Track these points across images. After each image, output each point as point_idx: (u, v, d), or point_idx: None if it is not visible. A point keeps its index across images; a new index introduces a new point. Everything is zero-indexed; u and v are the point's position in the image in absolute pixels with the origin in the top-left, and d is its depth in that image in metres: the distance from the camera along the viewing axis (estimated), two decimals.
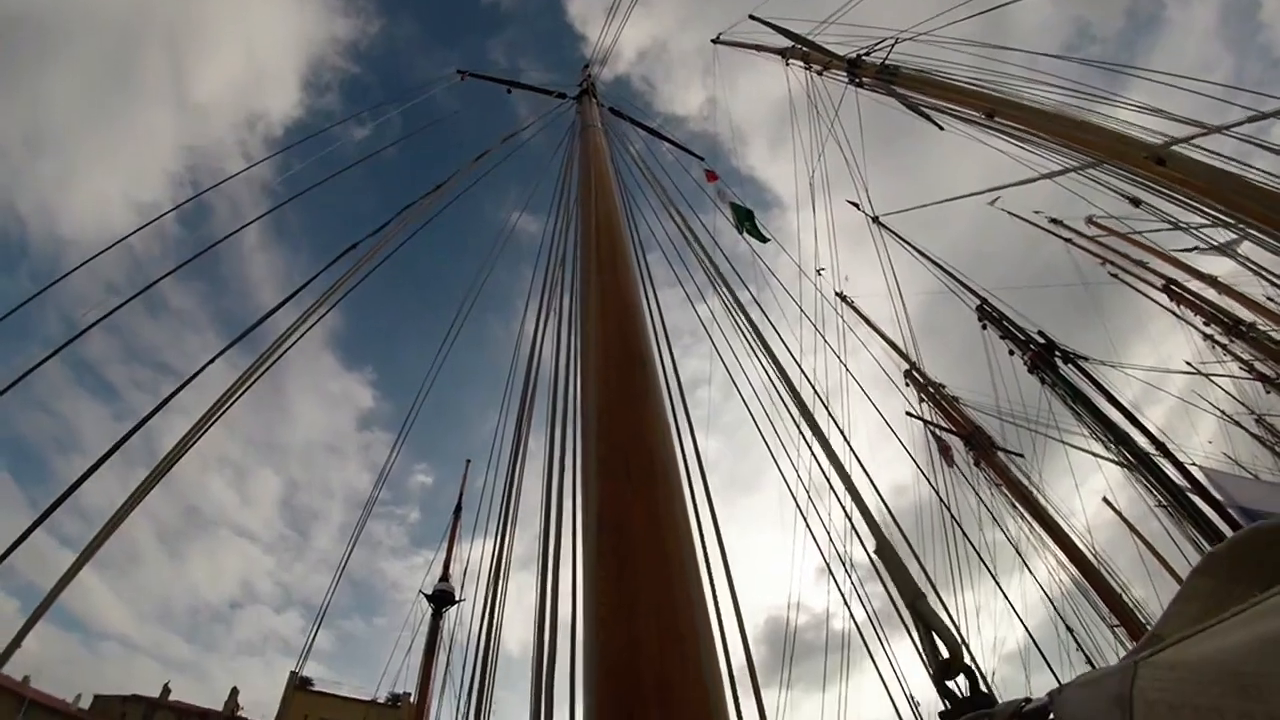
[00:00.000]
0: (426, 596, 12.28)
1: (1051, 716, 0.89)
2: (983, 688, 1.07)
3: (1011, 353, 14.91)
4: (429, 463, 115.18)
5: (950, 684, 1.09)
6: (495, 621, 5.63)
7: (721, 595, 1.66)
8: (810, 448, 5.62)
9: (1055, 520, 14.07)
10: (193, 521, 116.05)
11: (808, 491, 5.73)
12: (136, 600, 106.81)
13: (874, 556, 1.43)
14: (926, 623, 1.18)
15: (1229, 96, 7.27)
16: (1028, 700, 0.95)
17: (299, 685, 43.50)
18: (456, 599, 11.81)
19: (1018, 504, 14.85)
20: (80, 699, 50.45)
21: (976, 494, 15.49)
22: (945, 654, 1.12)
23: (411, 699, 12.84)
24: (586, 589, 1.51)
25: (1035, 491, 15.17)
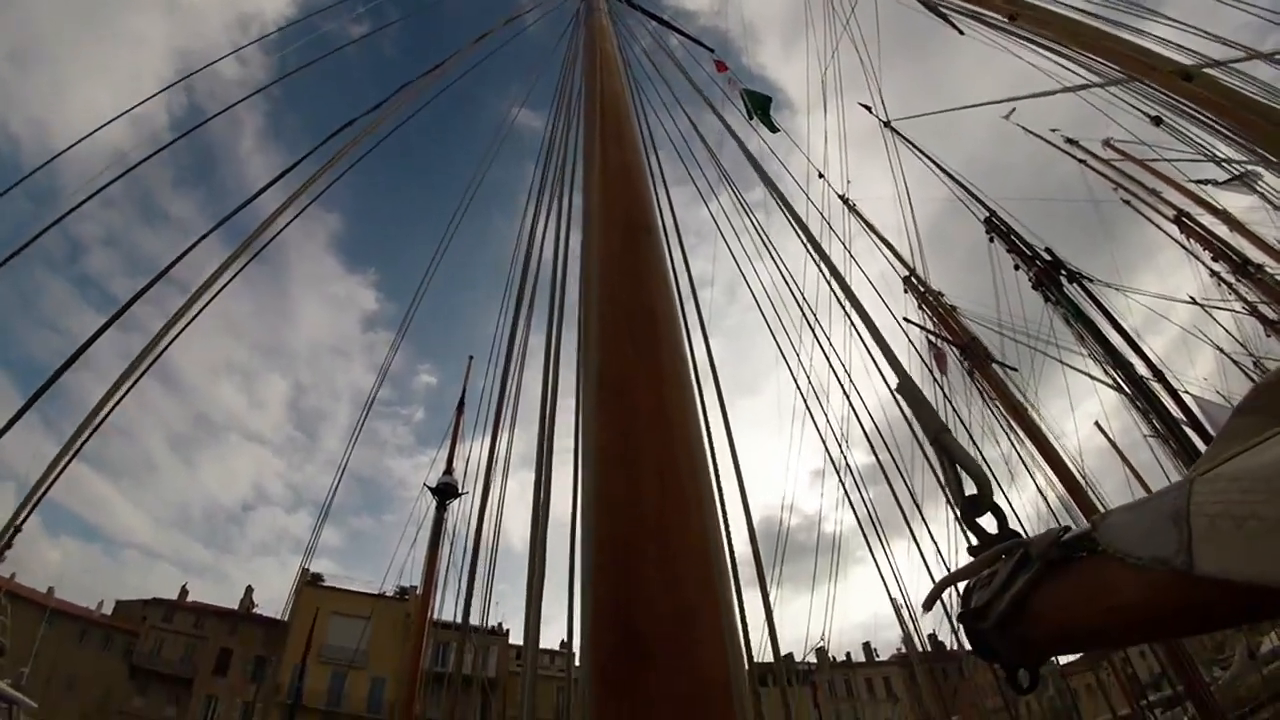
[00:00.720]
0: (431, 490, 12.53)
1: (1098, 547, 0.85)
2: (1012, 527, 1.03)
3: (1017, 268, 14.77)
4: (433, 362, 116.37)
5: (980, 522, 1.05)
6: (494, 504, 5.72)
7: (723, 463, 1.63)
8: (817, 338, 5.62)
9: (1047, 438, 14.20)
10: (203, 428, 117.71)
11: (810, 381, 5.75)
12: (153, 508, 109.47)
13: (896, 395, 1.39)
14: (951, 457, 1.13)
15: (1270, 21, 6.93)
16: (1065, 529, 0.91)
17: (309, 581, 45.27)
18: (460, 492, 12.00)
19: (1010, 419, 14.95)
20: (102, 605, 52.52)
21: (968, 406, 15.59)
22: (972, 490, 1.08)
23: (418, 592, 13.27)
24: (586, 444, 1.48)
25: (1029, 407, 15.28)
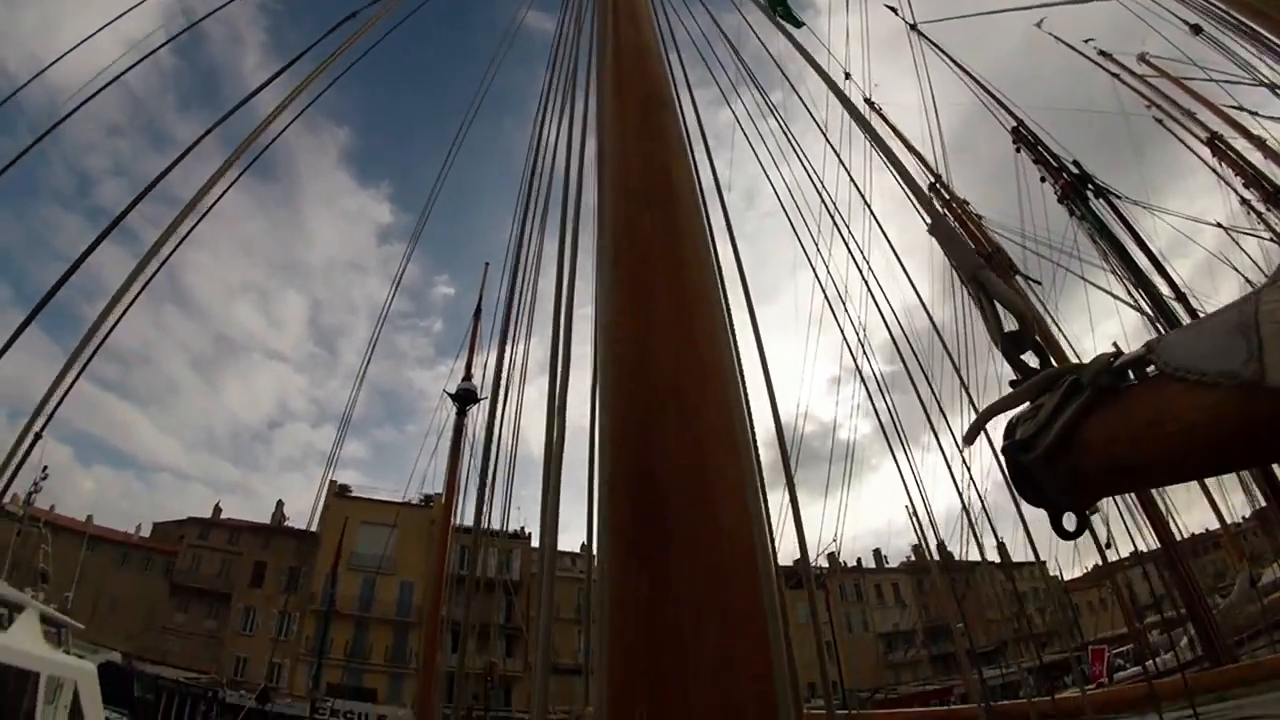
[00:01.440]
0: (450, 396, 12.67)
1: (1151, 369, 0.78)
2: (1054, 363, 0.96)
3: (1043, 180, 14.35)
4: (450, 273, 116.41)
5: (1022, 359, 0.99)
6: (512, 409, 5.75)
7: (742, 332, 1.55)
8: (843, 236, 5.50)
9: (1066, 356, 14.04)
10: (224, 350, 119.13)
11: (836, 282, 5.67)
12: (181, 431, 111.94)
13: (930, 232, 1.30)
14: (990, 293, 1.06)
15: None
16: (1118, 354, 0.84)
17: (337, 493, 46.76)
18: (479, 397, 12.09)
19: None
20: (140, 529, 54.65)
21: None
22: (1013, 327, 1.01)
23: (442, 499, 13.56)
24: (601, 309, 1.42)
25: (1050, 323, 15.07)
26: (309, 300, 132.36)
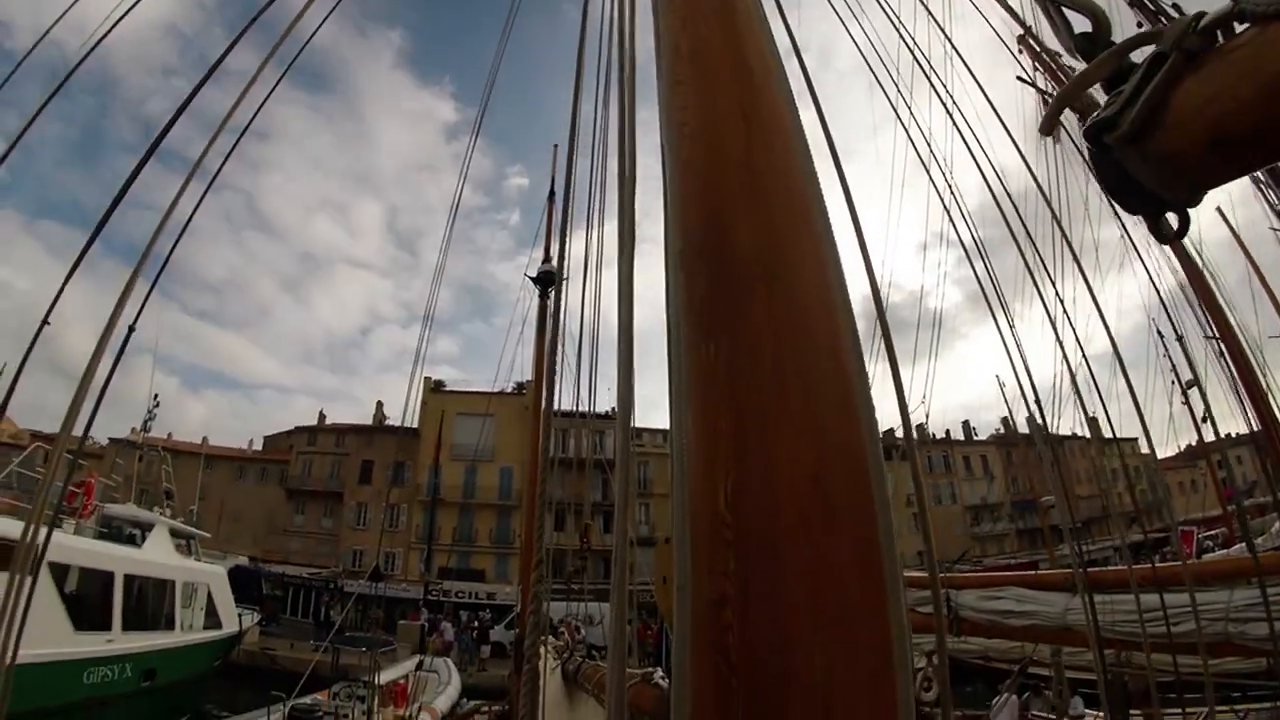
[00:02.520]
0: (532, 279, 12.79)
1: (1243, 26, 0.66)
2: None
3: (1140, 26, 12.95)
4: (522, 164, 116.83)
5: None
6: (594, 289, 5.75)
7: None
8: (934, 88, 5.15)
9: None
10: (309, 266, 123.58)
11: (922, 144, 5.35)
12: (279, 349, 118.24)
13: None
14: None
15: None
16: (1201, 14, 0.71)
17: (433, 389, 49.02)
18: (560, 278, 12.20)
19: None
20: (252, 443, 59.02)
21: (1085, 179, 14.39)
22: (1085, 28, 0.89)
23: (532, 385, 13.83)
24: (663, 100, 1.33)
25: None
26: (385, 207, 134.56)
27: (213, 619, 18.13)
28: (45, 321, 2.42)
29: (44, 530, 2.25)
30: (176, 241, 2.58)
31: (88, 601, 12.91)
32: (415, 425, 44.71)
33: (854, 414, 0.96)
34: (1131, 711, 6.78)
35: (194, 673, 16.80)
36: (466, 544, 46.85)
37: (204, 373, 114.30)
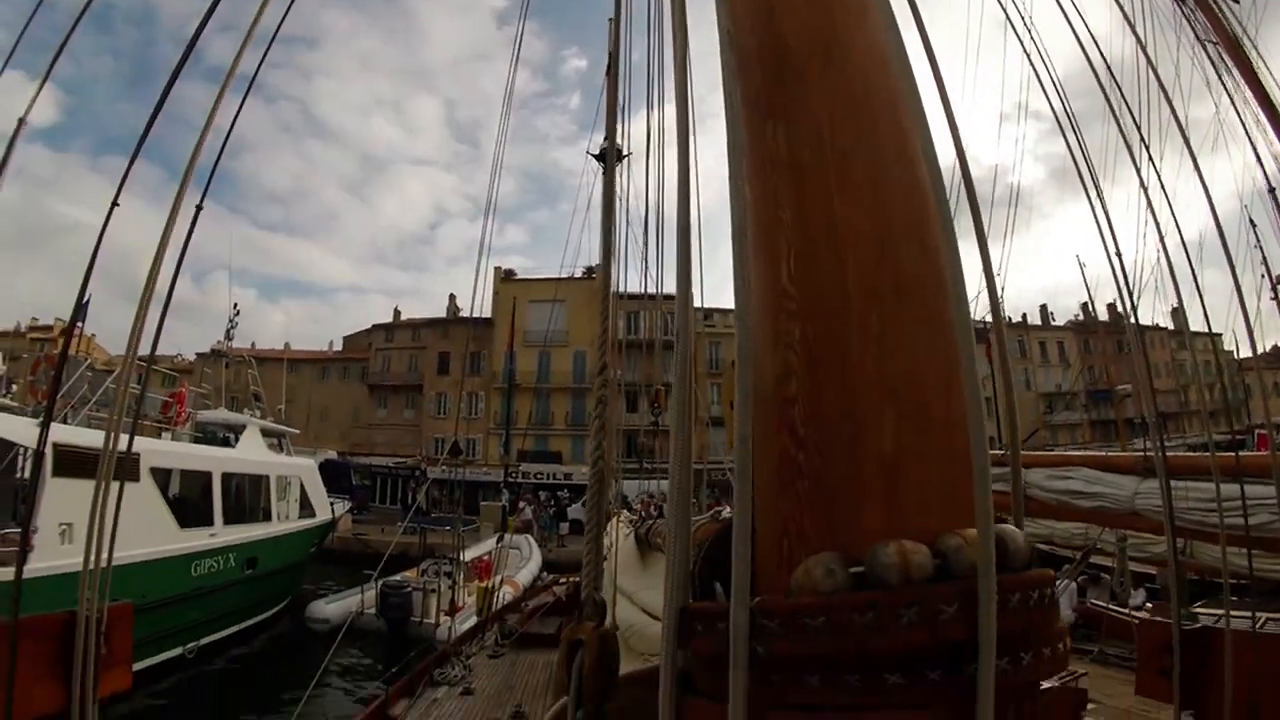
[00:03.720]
0: (595, 156, 12.70)
1: None
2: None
3: None
4: (579, 45, 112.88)
5: None
6: (657, 166, 5.65)
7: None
8: None
9: (1270, 92, 11.75)
10: (371, 168, 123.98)
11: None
12: (350, 252, 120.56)
13: None
14: None
15: None
16: None
17: (503, 278, 49.87)
18: (623, 154, 11.86)
19: (1228, 59, 12.40)
20: (332, 344, 61.47)
21: (1175, 47, 13.12)
22: None
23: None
24: None
25: (1251, 48, 12.55)
26: (441, 101, 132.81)
27: (306, 509, 19.36)
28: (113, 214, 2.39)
29: (124, 437, 2.32)
30: (224, 145, 2.55)
31: (190, 501, 14.01)
32: (488, 315, 45.67)
33: (921, 189, 0.93)
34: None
35: (292, 559, 18.07)
36: (543, 427, 48.14)
37: (280, 282, 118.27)
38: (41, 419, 9.89)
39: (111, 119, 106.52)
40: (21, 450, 9.83)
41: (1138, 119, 5.13)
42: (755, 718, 0.70)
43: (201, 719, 10.96)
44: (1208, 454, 3.84)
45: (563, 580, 16.24)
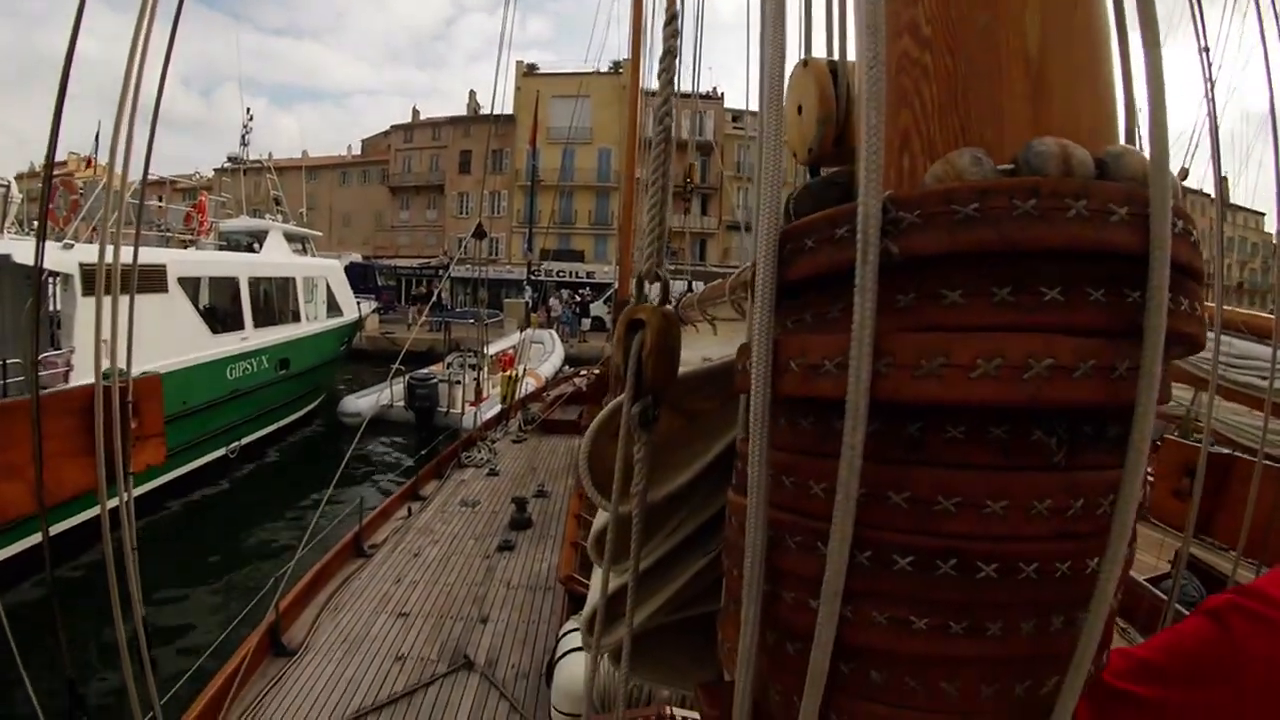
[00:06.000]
0: None
1: None
2: None
3: None
4: None
5: None
6: None
7: None
8: None
9: None
10: None
11: None
12: (363, 52, 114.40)
13: None
14: None
15: None
16: None
17: (525, 72, 47.69)
18: None
19: None
20: (351, 148, 59.67)
21: None
22: None
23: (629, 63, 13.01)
24: None
25: None
26: None
27: (334, 309, 19.70)
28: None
29: (123, 249, 2.21)
30: None
31: (220, 308, 14.35)
32: (510, 112, 43.98)
33: None
34: None
35: (323, 358, 18.53)
36: (566, 226, 47.70)
37: (291, 89, 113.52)
38: (64, 242, 10.39)
39: None
40: (52, 277, 10.05)
41: None
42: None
43: (250, 512, 11.77)
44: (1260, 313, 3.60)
45: (583, 372, 16.70)
